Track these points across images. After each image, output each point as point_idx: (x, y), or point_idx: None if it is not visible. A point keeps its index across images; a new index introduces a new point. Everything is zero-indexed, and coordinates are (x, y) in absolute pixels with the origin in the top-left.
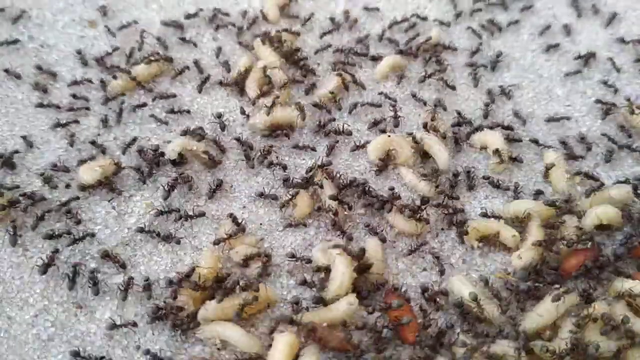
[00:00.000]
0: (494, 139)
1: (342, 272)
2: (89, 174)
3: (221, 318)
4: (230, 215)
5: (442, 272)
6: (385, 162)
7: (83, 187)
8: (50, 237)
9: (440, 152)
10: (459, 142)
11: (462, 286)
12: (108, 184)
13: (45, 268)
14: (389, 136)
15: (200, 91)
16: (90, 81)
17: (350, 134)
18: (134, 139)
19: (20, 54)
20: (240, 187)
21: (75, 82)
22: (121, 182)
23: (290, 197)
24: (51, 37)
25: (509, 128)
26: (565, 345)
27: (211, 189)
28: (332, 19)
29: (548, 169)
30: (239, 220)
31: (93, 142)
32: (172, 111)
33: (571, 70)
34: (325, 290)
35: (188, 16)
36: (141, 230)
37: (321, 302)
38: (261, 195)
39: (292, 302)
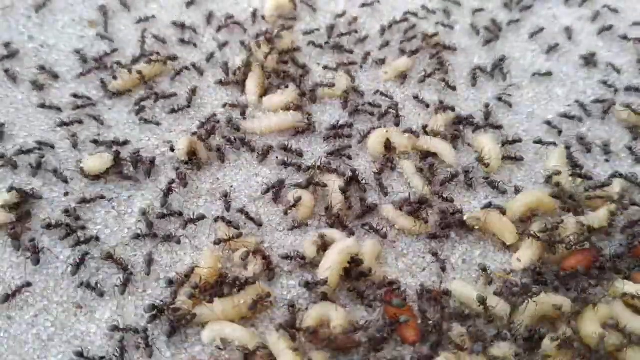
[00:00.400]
0: (481, 143)
1: (331, 259)
2: (96, 160)
3: (221, 318)
4: (223, 219)
5: (443, 269)
6: (388, 157)
7: (95, 177)
8: (64, 238)
9: (447, 152)
10: (455, 140)
11: (465, 290)
12: (120, 172)
13: (36, 260)
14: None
15: (189, 105)
16: (98, 68)
17: (350, 136)
18: (120, 144)
19: (20, 54)
20: (240, 187)
21: (81, 74)
22: (121, 183)
23: (294, 202)
24: (51, 37)
25: (498, 127)
26: (570, 332)
27: (226, 202)
28: (331, 27)
29: (553, 175)
30: (235, 224)
31: (95, 142)
32: (172, 110)
33: (540, 71)
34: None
35: (188, 4)
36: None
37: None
38: (267, 190)
39: (288, 305)
